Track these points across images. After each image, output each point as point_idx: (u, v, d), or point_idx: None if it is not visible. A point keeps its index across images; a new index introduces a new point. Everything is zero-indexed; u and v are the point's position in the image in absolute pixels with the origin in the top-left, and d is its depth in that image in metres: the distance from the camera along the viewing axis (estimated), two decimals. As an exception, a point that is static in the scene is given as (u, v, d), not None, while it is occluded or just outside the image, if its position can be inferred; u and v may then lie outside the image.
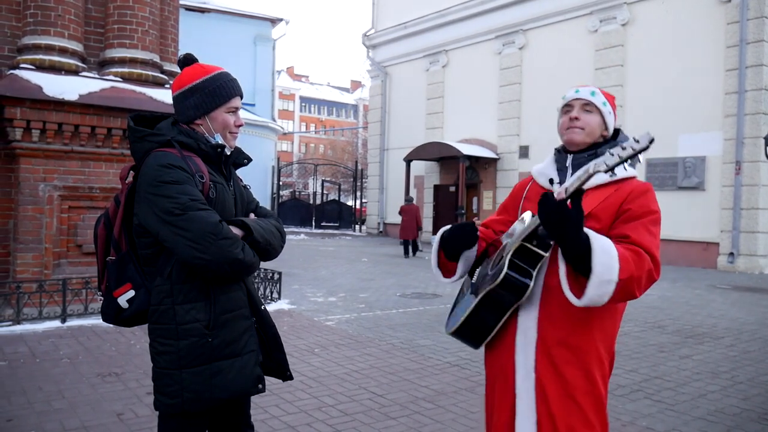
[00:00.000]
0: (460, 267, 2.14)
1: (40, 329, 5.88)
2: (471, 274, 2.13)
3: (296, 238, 20.82)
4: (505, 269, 1.81)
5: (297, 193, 31.25)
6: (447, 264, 2.17)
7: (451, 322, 2.05)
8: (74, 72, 6.71)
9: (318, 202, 28.25)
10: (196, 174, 1.87)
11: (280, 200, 27.83)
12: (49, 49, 6.58)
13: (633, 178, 1.96)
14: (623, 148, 1.62)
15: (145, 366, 4.79)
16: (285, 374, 2.12)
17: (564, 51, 16.80)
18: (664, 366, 5.26)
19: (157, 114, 2.05)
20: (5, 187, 6.68)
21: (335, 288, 9.28)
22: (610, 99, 2.09)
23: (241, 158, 2.08)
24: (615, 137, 2.07)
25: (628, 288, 1.73)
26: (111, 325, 6.14)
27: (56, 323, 6.08)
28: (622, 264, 1.71)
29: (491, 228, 2.21)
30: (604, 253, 1.70)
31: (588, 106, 2.03)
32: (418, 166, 20.86)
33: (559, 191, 1.74)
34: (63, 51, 6.67)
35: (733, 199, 13.58)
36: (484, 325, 1.93)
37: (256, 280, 7.81)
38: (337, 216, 27.13)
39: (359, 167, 28.39)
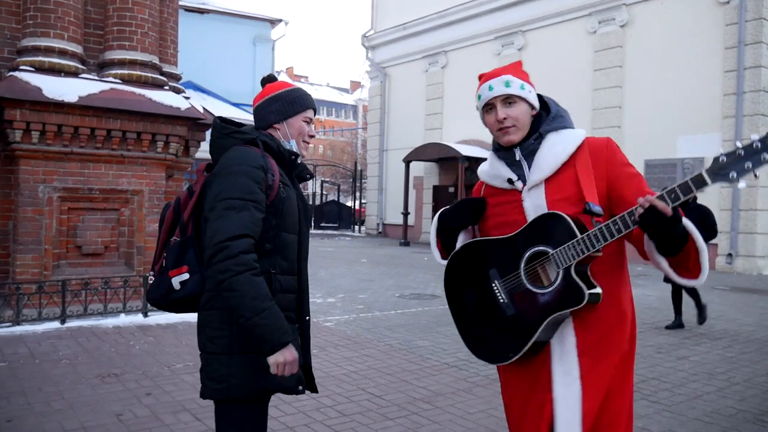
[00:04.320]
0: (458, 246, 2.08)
1: (40, 330, 5.90)
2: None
3: (295, 238, 20.82)
4: (585, 290, 1.74)
5: (296, 194, 31.22)
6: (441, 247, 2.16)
7: (496, 351, 1.92)
8: (74, 74, 6.73)
9: (317, 202, 28.26)
10: (269, 172, 1.99)
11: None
12: (48, 51, 6.60)
13: (587, 138, 1.92)
14: (747, 158, 1.57)
15: (145, 367, 4.81)
16: (313, 385, 2.16)
17: (563, 52, 16.82)
18: (661, 367, 5.28)
19: (236, 121, 2.17)
20: (5, 189, 6.71)
21: (334, 289, 9.31)
22: (523, 74, 1.97)
23: (305, 173, 2.21)
24: (544, 107, 1.99)
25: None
26: (110, 326, 6.16)
27: (55, 324, 6.10)
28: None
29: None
30: (696, 231, 1.75)
31: (509, 99, 1.92)
32: (418, 167, 20.88)
33: (661, 206, 1.65)
34: (62, 53, 6.69)
35: (732, 201, 13.60)
36: (541, 343, 1.85)
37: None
38: (337, 217, 27.14)
39: (358, 168, 28.40)
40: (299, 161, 2.17)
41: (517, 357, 1.86)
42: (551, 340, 1.86)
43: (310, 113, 2.20)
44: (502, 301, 1.91)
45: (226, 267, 1.82)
